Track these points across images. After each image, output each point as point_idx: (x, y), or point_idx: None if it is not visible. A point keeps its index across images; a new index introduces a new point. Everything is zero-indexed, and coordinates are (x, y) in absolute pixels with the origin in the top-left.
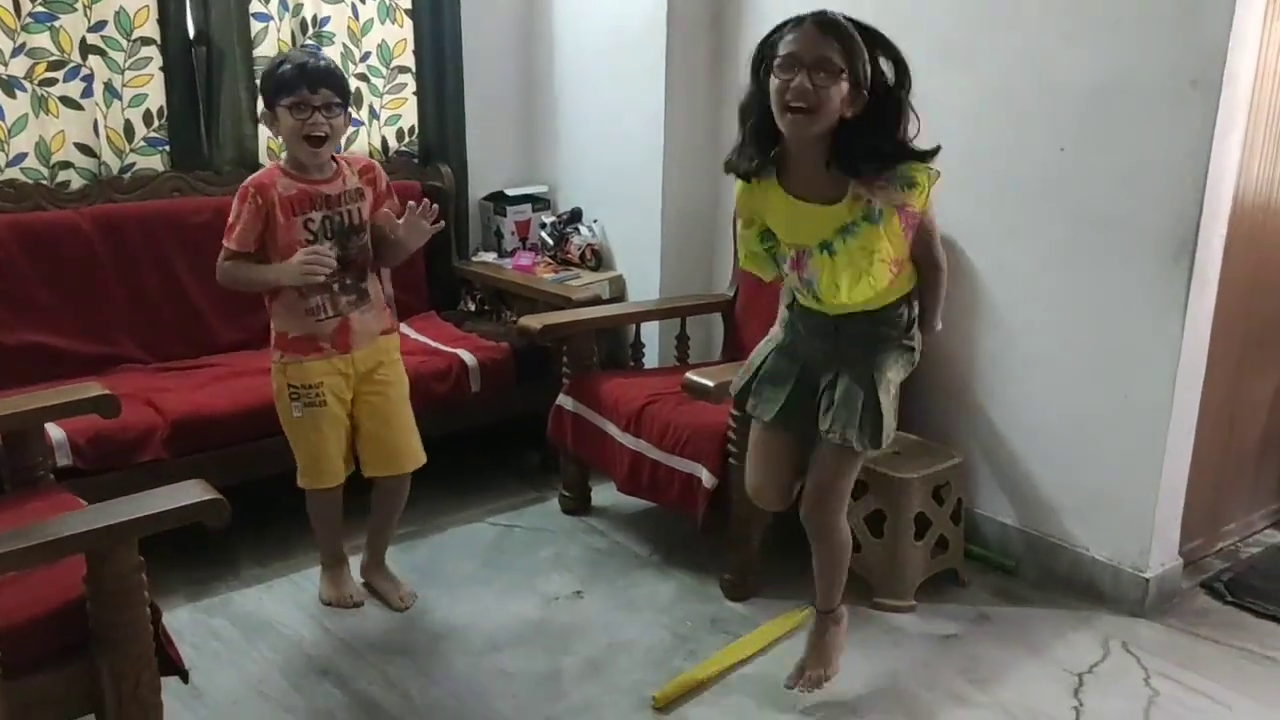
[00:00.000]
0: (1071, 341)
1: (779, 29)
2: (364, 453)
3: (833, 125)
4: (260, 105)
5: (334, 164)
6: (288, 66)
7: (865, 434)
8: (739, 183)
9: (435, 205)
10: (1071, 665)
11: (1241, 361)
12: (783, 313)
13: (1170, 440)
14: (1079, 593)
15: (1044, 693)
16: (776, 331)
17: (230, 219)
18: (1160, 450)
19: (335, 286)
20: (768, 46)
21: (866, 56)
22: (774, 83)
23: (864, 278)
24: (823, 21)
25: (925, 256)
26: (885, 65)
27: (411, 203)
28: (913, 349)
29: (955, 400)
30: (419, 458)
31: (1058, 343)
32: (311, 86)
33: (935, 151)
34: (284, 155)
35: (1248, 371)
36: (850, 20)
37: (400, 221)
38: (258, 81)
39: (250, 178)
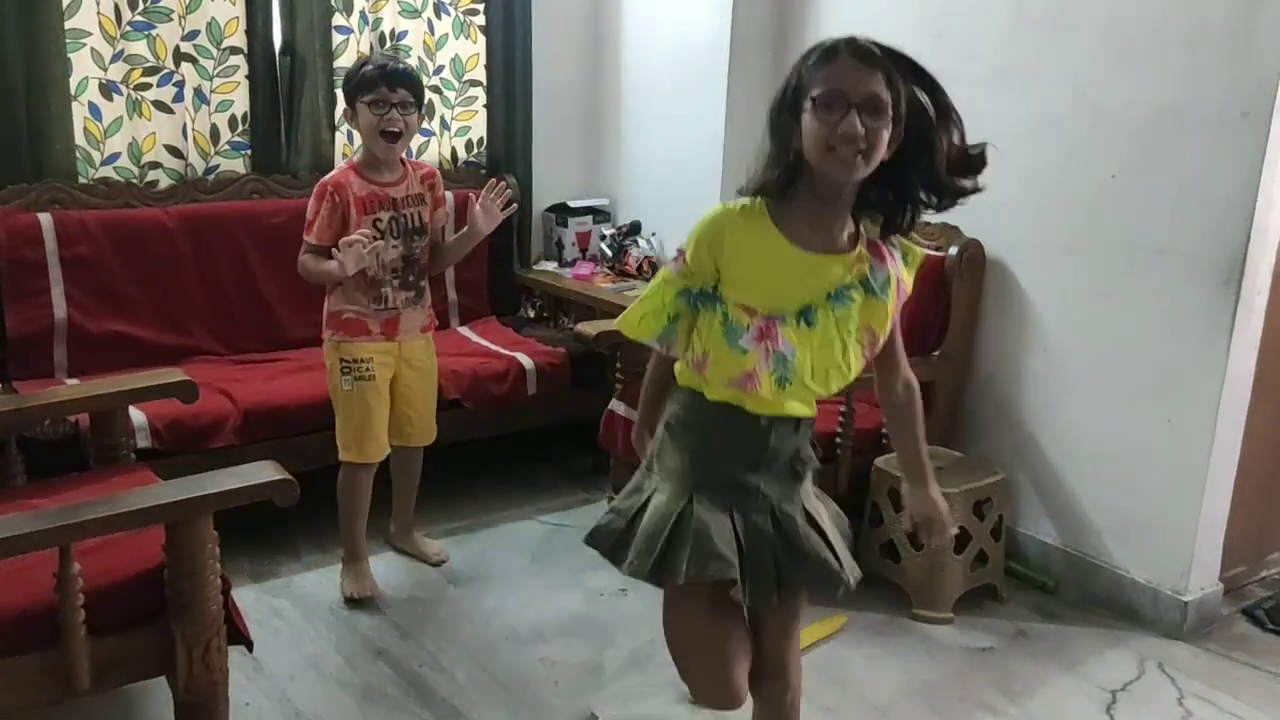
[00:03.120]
0: (1117, 365)
1: (807, 57)
2: (390, 424)
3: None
4: (341, 104)
5: (401, 166)
6: (370, 67)
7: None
8: (716, 212)
9: (508, 188)
10: (1105, 683)
11: None
12: (675, 424)
13: (1213, 466)
14: (1117, 613)
15: (1076, 708)
16: (664, 454)
17: (309, 215)
18: (1203, 475)
19: (397, 282)
20: (801, 77)
21: (904, 89)
22: (811, 123)
23: (838, 364)
24: (861, 52)
25: (896, 365)
26: (922, 96)
27: (492, 181)
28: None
29: (1000, 418)
30: (433, 435)
31: (1103, 365)
32: (390, 85)
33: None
34: (357, 155)
35: None
36: (881, 46)
37: (479, 207)
38: (338, 90)
39: (327, 176)
